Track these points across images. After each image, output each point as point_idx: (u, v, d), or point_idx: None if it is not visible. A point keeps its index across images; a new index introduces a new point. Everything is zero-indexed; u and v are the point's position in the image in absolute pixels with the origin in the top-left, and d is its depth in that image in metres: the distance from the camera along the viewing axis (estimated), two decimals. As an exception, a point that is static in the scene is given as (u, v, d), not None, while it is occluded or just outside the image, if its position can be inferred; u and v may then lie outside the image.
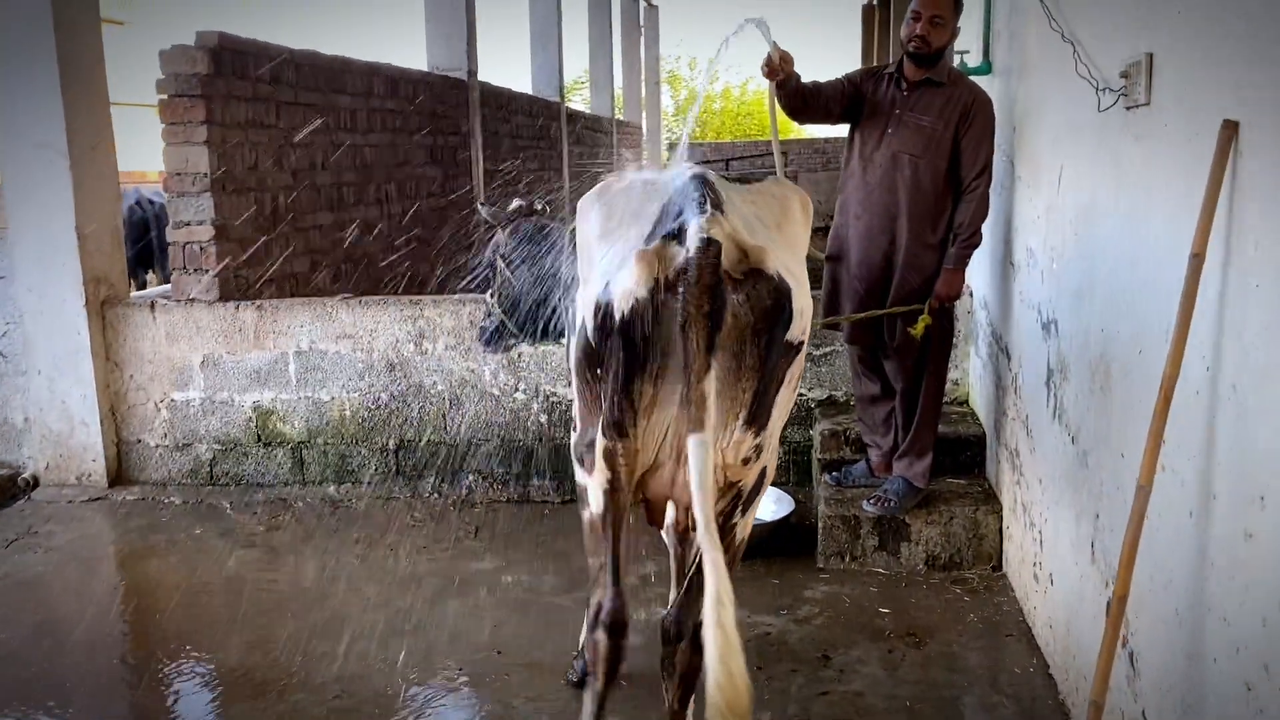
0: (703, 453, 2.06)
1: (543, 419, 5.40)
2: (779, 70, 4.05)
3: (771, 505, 4.64)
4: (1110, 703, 2.76)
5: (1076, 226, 3.21)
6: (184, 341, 5.56)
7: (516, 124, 11.34)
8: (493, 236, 3.84)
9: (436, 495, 5.47)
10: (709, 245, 2.12)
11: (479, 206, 3.87)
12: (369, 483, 5.53)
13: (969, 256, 4.19)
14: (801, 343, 2.43)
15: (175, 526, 5.18)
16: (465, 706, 3.47)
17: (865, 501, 4.41)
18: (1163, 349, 2.41)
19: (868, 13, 20.25)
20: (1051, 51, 3.45)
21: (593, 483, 2.53)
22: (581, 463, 2.59)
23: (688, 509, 2.65)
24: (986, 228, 4.18)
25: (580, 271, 2.68)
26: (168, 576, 4.65)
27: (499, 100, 10.68)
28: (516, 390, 5.40)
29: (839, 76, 4.39)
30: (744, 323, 2.29)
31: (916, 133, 4.14)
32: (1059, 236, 3.42)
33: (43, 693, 3.62)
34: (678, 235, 2.26)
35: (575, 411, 2.75)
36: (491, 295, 3.83)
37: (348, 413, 5.52)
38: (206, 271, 5.52)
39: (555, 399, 5.37)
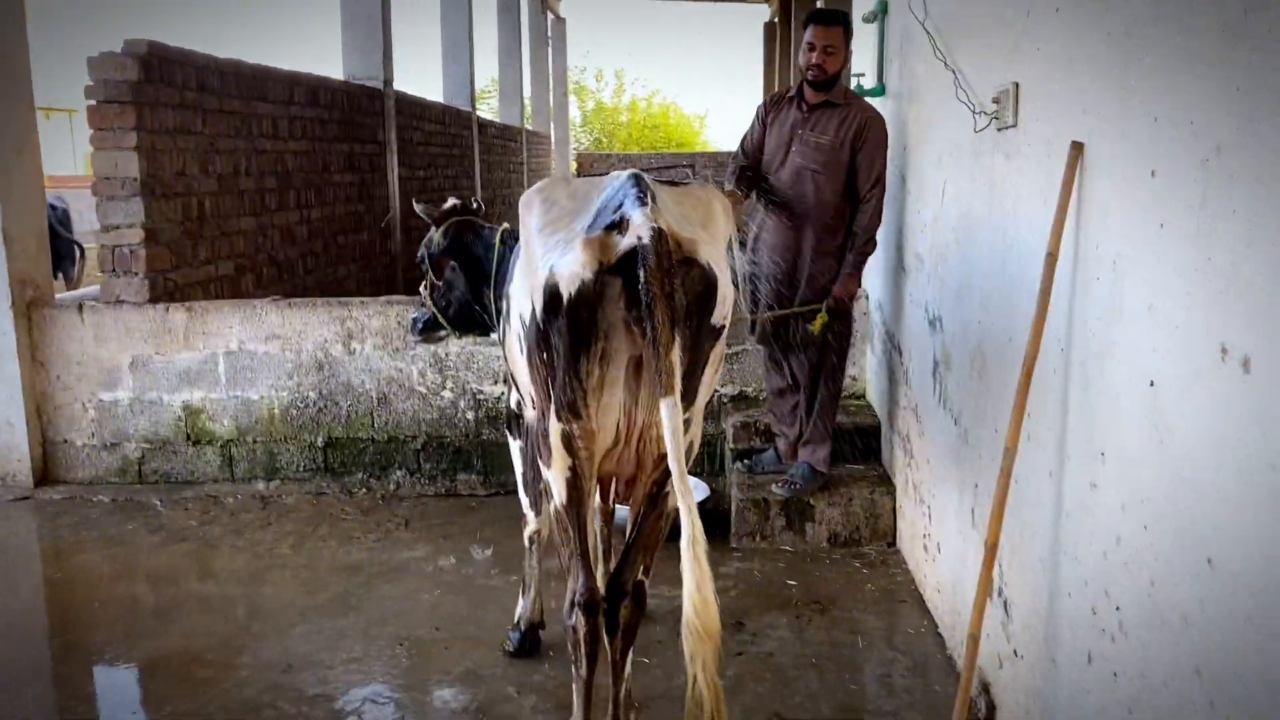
0: (674, 414, 2.36)
1: (469, 416, 5.65)
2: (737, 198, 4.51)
3: (701, 488, 5.00)
4: (989, 648, 3.17)
5: (957, 233, 3.63)
6: (113, 342, 5.66)
7: (429, 132, 11.53)
8: (429, 234, 4.10)
9: (365, 490, 5.68)
10: (660, 233, 2.43)
11: (414, 205, 4.12)
12: (298, 479, 5.71)
13: (864, 262, 4.61)
14: (724, 326, 2.76)
15: (106, 523, 5.29)
16: (408, 675, 3.71)
17: (774, 485, 4.79)
18: (1028, 336, 2.83)
19: (769, 29, 20.99)
20: (936, 78, 3.87)
21: (554, 473, 2.78)
22: (540, 455, 2.85)
23: (628, 482, 2.95)
24: (881, 235, 4.60)
25: (521, 263, 2.95)
26: (104, 568, 4.78)
27: (413, 109, 10.86)
28: (443, 389, 5.65)
29: (751, 127, 4.86)
30: (678, 306, 2.61)
31: (817, 150, 4.56)
32: (943, 243, 3.84)
33: (-6, 676, 3.75)
34: (618, 226, 2.56)
35: (525, 405, 3.01)
36: (424, 288, 4.09)
37: (277, 411, 5.69)
38: (136, 274, 5.64)
39: (482, 397, 5.64)
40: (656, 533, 2.98)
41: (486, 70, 19.40)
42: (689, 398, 2.77)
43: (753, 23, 25.43)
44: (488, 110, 20.84)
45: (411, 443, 5.69)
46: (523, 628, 3.81)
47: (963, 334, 3.52)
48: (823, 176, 4.54)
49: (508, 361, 3.44)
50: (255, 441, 5.72)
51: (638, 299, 2.54)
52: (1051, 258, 2.49)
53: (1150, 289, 2.09)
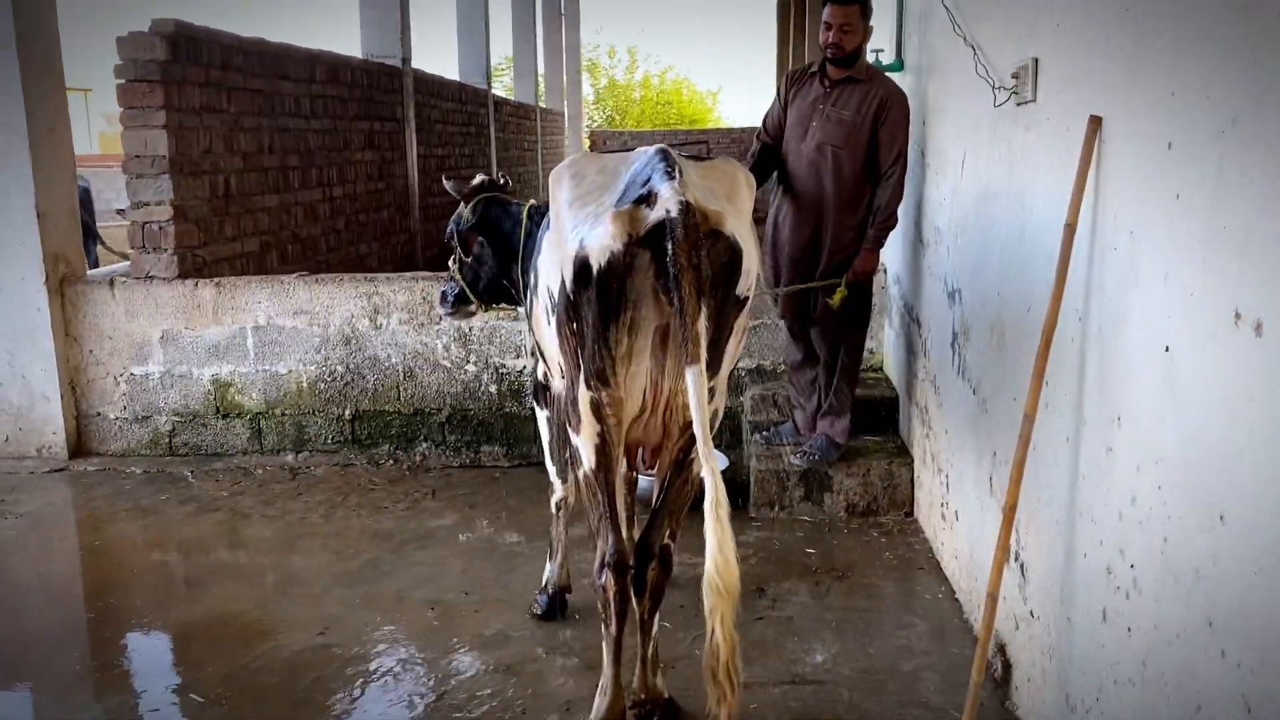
0: (699, 381, 2.46)
1: (493, 389, 5.76)
2: None
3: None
4: (1006, 610, 3.27)
5: (976, 206, 3.70)
6: (143, 318, 5.78)
7: (447, 110, 11.60)
8: (459, 210, 4.19)
9: (392, 462, 5.80)
10: (687, 206, 2.51)
11: (444, 181, 4.21)
12: (325, 451, 5.82)
13: (885, 237, 4.67)
14: (748, 297, 2.84)
15: (139, 493, 5.43)
16: (440, 637, 3.82)
17: (793, 456, 4.89)
18: (1046, 305, 2.90)
19: (782, 5, 20.89)
20: (955, 53, 3.93)
21: (583, 439, 2.88)
22: (569, 423, 2.95)
23: (654, 450, 3.05)
24: (902, 210, 4.67)
25: (551, 236, 3.03)
26: (139, 537, 4.91)
27: (430, 87, 10.93)
28: (467, 363, 5.75)
29: (772, 105, 4.93)
30: (705, 277, 2.69)
31: (839, 126, 4.61)
32: (962, 216, 3.91)
33: (32, 645, 3.89)
34: (647, 199, 2.64)
35: (554, 375, 3.10)
36: (453, 263, 4.17)
37: (305, 385, 5.80)
38: (165, 250, 5.75)
39: (505, 371, 5.73)
40: (682, 498, 3.08)
41: (500, 47, 19.43)
42: (714, 366, 2.86)
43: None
44: (501, 88, 20.89)
45: (436, 415, 5.80)
46: (550, 591, 3.92)
47: (982, 305, 3.59)
48: (844, 152, 4.60)
49: (535, 333, 3.54)
50: (284, 414, 5.83)
51: (666, 270, 2.63)
52: (1070, 228, 2.56)
53: (1166, 257, 2.16)
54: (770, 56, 22.47)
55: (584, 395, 2.82)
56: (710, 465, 2.42)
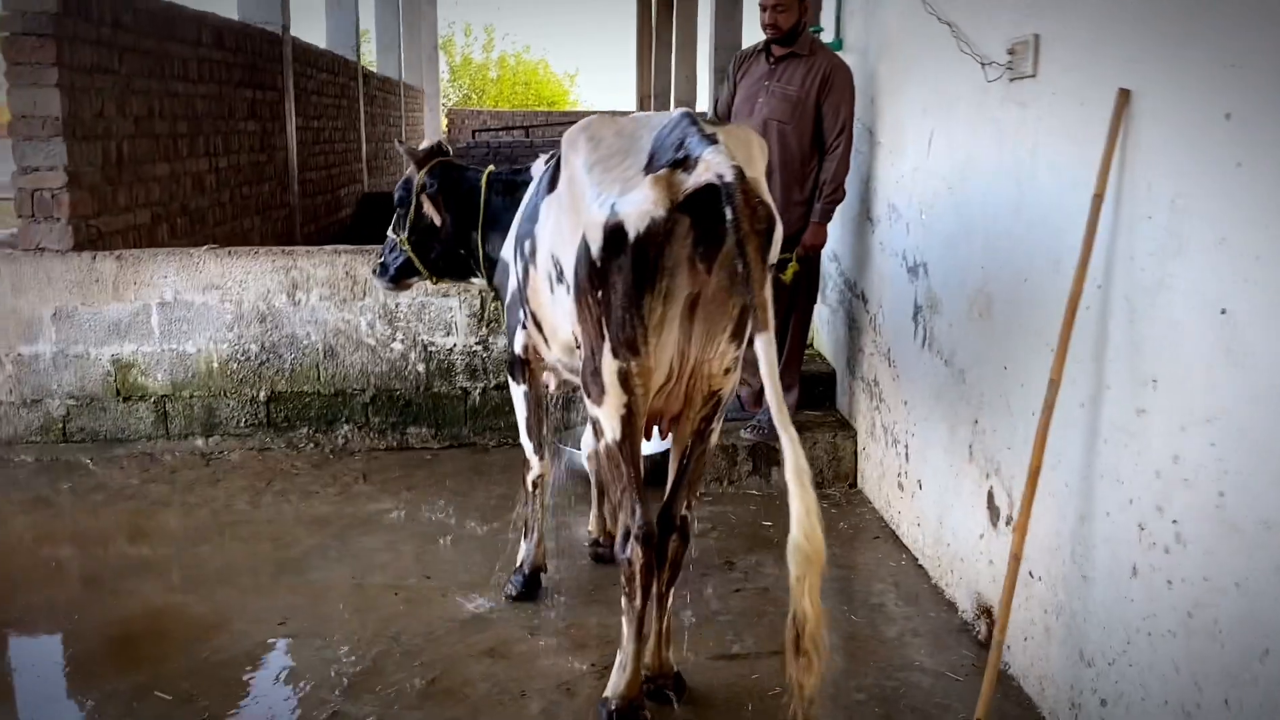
0: (770, 348, 2.41)
1: (420, 369, 5.56)
2: None
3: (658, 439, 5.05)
4: (993, 572, 3.36)
5: (951, 183, 3.78)
6: (32, 293, 5.32)
7: (322, 81, 11.13)
8: (406, 176, 4.01)
9: (312, 445, 5.53)
10: (741, 172, 2.46)
11: (397, 143, 4.04)
12: (238, 435, 5.50)
13: (833, 210, 4.74)
14: (773, 264, 2.82)
15: (37, 484, 5.01)
16: (412, 621, 3.66)
17: (742, 430, 4.91)
18: (1050, 277, 3.00)
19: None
20: (919, 31, 4.00)
21: (606, 410, 2.80)
22: (590, 394, 2.85)
23: (673, 419, 3.00)
24: (846, 186, 4.73)
25: (563, 201, 2.92)
26: (48, 528, 4.53)
27: (308, 57, 10.46)
28: (393, 341, 5.53)
29: (721, 88, 5.00)
30: (751, 243, 2.65)
31: (784, 101, 4.65)
32: (930, 191, 3.99)
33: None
34: (683, 164, 2.58)
35: (549, 347, 3.03)
36: (401, 231, 4.00)
37: (215, 365, 5.46)
38: (59, 220, 5.30)
39: (434, 349, 5.54)
40: (702, 468, 3.04)
41: (363, 19, 18.71)
42: (740, 335, 2.84)
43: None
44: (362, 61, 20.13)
45: (360, 396, 5.56)
46: (526, 571, 3.82)
47: (959, 278, 3.68)
48: (789, 127, 4.64)
49: (524, 304, 3.42)
50: (192, 397, 5.48)
51: (705, 236, 2.59)
52: (1098, 199, 2.64)
53: (1221, 224, 2.25)
54: (629, 40, 22.48)
55: (610, 365, 2.75)
56: (790, 433, 2.39)
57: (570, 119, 19.54)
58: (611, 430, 2.83)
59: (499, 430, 5.61)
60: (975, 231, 3.57)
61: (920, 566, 4.10)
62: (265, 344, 5.47)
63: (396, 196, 4.05)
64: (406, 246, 4.02)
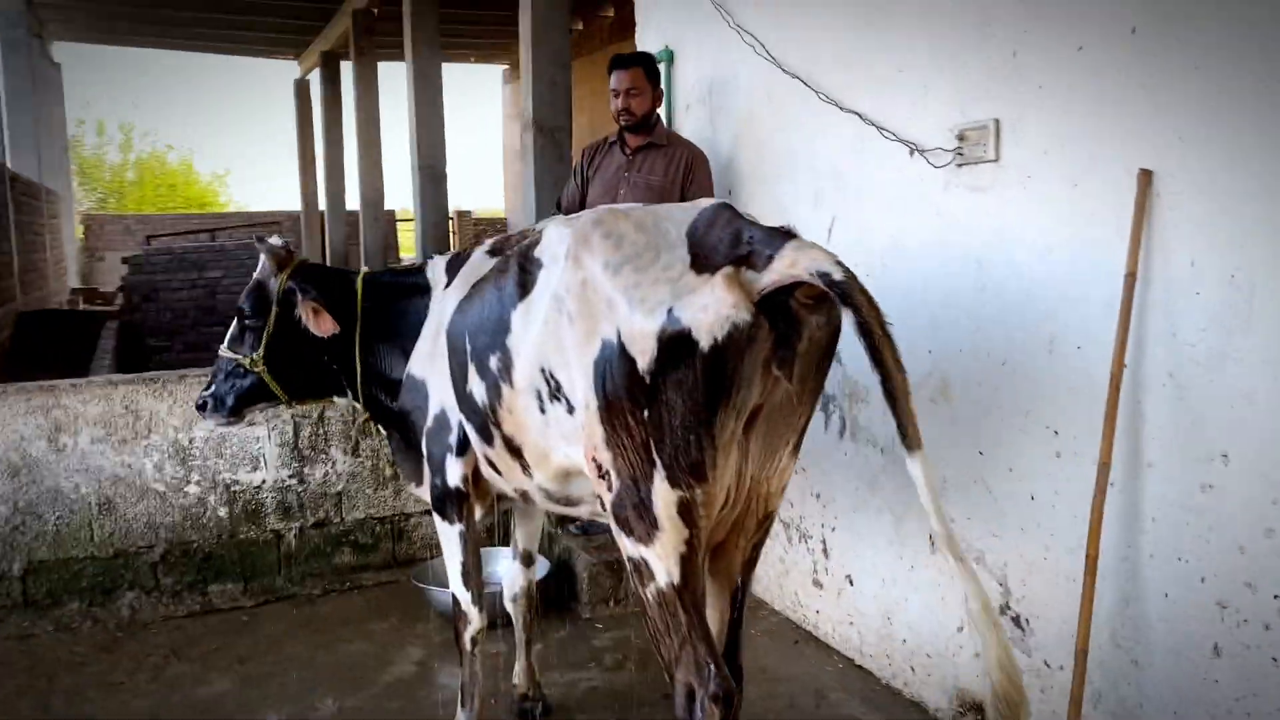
0: (930, 469, 2.11)
1: (222, 513, 4.69)
2: None
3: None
4: (980, 665, 3.24)
5: (868, 269, 3.71)
6: None
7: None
8: (257, 280, 3.39)
9: (90, 623, 4.48)
10: (846, 267, 2.19)
11: (256, 240, 3.42)
12: (-16, 623, 4.35)
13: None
14: None
15: None
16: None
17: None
18: (1042, 357, 2.97)
19: (300, 86, 20.18)
20: (809, 123, 3.96)
21: (659, 549, 2.37)
22: (631, 531, 2.42)
23: (716, 550, 2.61)
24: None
25: (571, 308, 2.49)
26: None
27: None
28: (188, 484, 4.64)
29: (569, 183, 4.77)
30: (821, 346, 2.38)
31: (648, 191, 4.46)
32: (836, 278, 3.91)
33: None
34: (746, 260, 2.28)
35: (539, 476, 2.56)
36: (247, 349, 3.36)
37: (-52, 537, 4.30)
38: None
39: (238, 488, 4.71)
40: (747, 603, 2.69)
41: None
42: (798, 448, 2.55)
43: (283, 79, 24.38)
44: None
45: (146, 554, 4.60)
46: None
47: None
48: (656, 219, 4.44)
49: (494, 426, 2.89)
50: (-83, 582, 4.27)
51: (782, 340, 2.30)
52: (1131, 277, 2.64)
53: (1301, 295, 2.29)
54: (287, 139, 21.52)
55: (666, 496, 2.35)
56: (969, 564, 2.11)
57: (261, 220, 18.31)
58: (666, 573, 2.41)
59: (322, 576, 4.85)
60: (914, 315, 3.50)
61: (861, 668, 3.92)
62: (19, 504, 4.39)
63: (245, 306, 3.38)
64: (260, 367, 3.35)
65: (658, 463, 2.34)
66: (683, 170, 4.47)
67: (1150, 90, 2.63)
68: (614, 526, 2.50)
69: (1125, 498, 2.76)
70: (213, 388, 3.45)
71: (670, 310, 2.28)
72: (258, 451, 4.73)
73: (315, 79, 17.81)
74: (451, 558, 3.24)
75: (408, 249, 18.97)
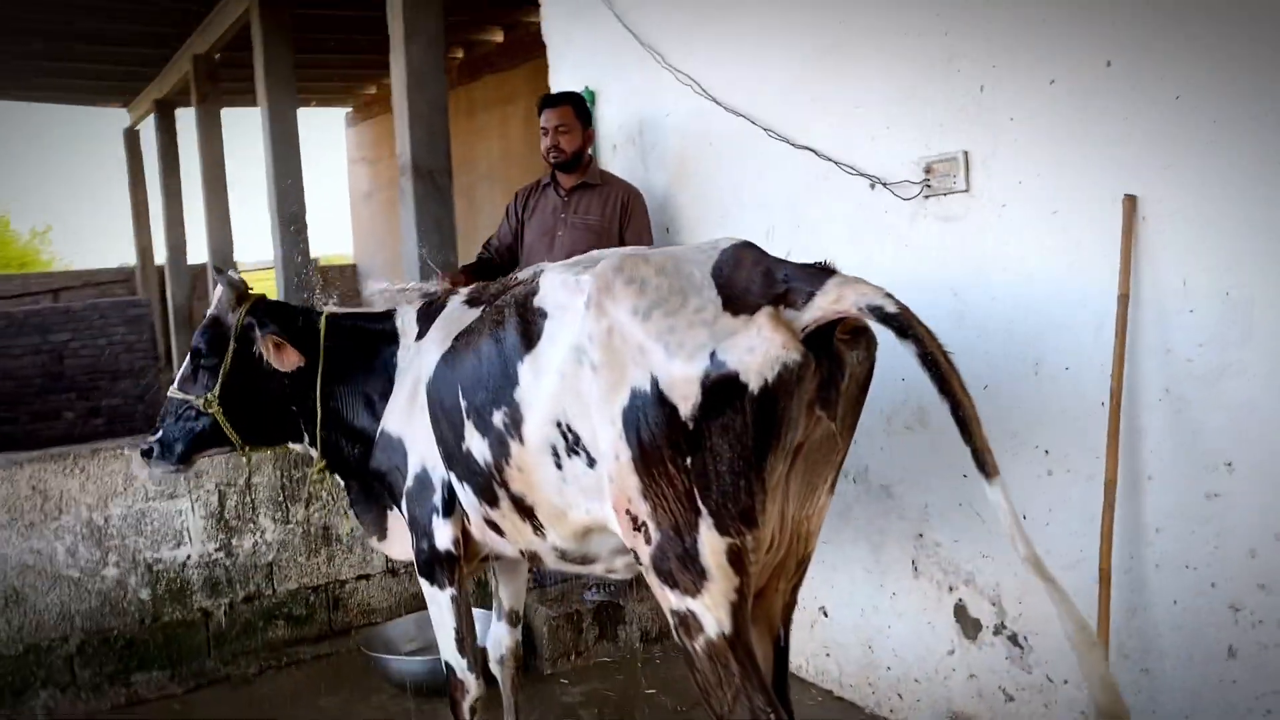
0: (1008, 495, 2.11)
1: (144, 595, 4.34)
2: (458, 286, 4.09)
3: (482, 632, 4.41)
4: (976, 686, 3.29)
5: (832, 300, 3.76)
6: None
7: None
8: (213, 316, 3.20)
9: (0, 731, 4.06)
10: (893, 298, 2.19)
11: (215, 273, 3.23)
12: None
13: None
14: None
15: None
16: None
17: (586, 592, 4.44)
18: (1028, 380, 3.07)
19: (130, 136, 19.26)
20: (752, 159, 3.99)
21: (707, 600, 2.30)
22: (675, 583, 2.34)
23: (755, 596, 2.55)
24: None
25: (595, 358, 2.41)
26: None
27: None
28: (105, 566, 4.28)
29: (500, 226, 4.65)
30: (860, 381, 2.38)
31: (586, 231, 4.41)
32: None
33: None
34: (783, 298, 2.26)
35: (644, 524, 2.40)
36: (200, 389, 3.15)
37: None
38: None
39: (161, 567, 4.37)
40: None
41: None
42: (834, 486, 2.53)
43: (111, 128, 23.21)
44: None
45: (61, 648, 4.20)
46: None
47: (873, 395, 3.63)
48: (597, 260, 4.39)
49: (500, 485, 2.76)
50: None
51: (829, 379, 2.29)
52: (1124, 298, 2.74)
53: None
54: (116, 192, 20.44)
55: (715, 544, 2.29)
56: (1060, 587, 2.11)
57: (101, 280, 17.29)
58: (716, 623, 2.34)
59: (256, 653, 4.54)
60: (885, 343, 3.54)
61: (841, 699, 3.92)
62: (-88, 604, 3.95)
63: (200, 344, 3.17)
64: (215, 408, 3.13)
65: (703, 510, 2.29)
66: (619, 209, 4.44)
67: (1130, 119, 2.75)
68: (654, 580, 2.42)
69: (1126, 510, 2.85)
70: (160, 432, 3.22)
71: (713, 354, 2.23)
72: (181, 525, 4.40)
73: (148, 127, 16.98)
74: (443, 624, 3.08)
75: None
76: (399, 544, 3.33)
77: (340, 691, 4.26)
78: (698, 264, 2.43)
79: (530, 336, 2.65)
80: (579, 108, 4.51)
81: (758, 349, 2.21)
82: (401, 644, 4.44)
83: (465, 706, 3.10)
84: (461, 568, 3.04)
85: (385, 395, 3.18)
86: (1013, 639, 3.23)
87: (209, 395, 3.13)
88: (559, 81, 5.18)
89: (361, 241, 21.31)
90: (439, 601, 3.06)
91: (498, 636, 3.45)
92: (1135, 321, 2.78)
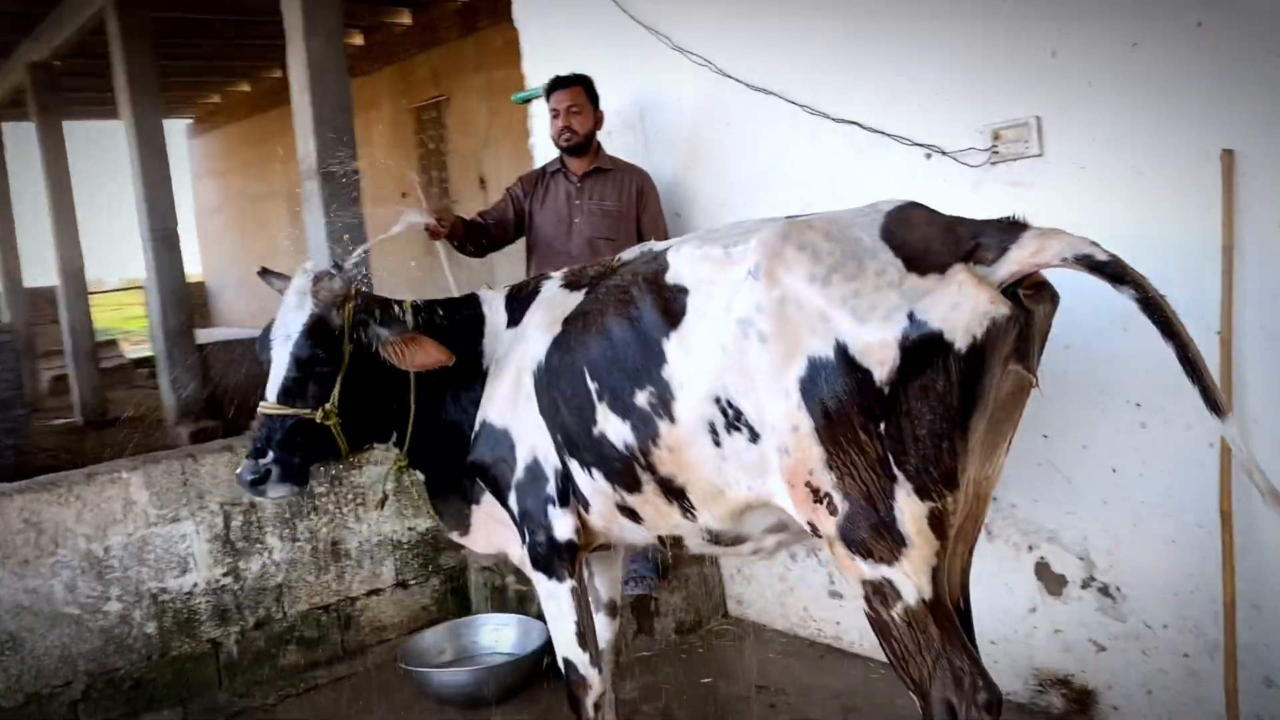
0: (1240, 432, 2.12)
1: (150, 629, 4.00)
2: (442, 230, 3.95)
3: (519, 637, 4.27)
4: (1062, 641, 3.36)
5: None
6: None
7: None
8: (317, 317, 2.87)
9: (4, 790, 3.66)
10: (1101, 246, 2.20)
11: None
12: None
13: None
14: None
15: None
16: None
17: (624, 587, 4.32)
18: (1116, 335, 3.14)
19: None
20: (779, 138, 3.97)
21: (907, 567, 2.28)
22: (869, 553, 2.29)
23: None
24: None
25: (765, 329, 2.33)
26: None
27: None
28: (108, 600, 3.92)
29: (501, 200, 4.48)
30: (1043, 335, 2.38)
31: (605, 217, 4.32)
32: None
33: None
34: (972, 254, 2.24)
35: (827, 496, 2.31)
36: (311, 401, 2.83)
37: None
38: None
39: (166, 597, 4.03)
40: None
41: None
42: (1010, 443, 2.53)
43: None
44: None
45: (63, 693, 3.83)
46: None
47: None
48: (616, 244, 4.28)
49: (646, 470, 2.63)
50: None
51: (1025, 332, 2.28)
52: (1228, 250, 2.84)
53: None
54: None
55: (917, 509, 2.26)
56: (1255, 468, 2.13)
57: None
58: (916, 589, 2.30)
59: (274, 683, 4.24)
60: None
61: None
62: (-103, 660, 3.52)
63: (309, 351, 2.81)
64: (334, 420, 2.85)
65: (899, 476, 2.25)
66: (635, 194, 4.36)
67: (1222, 78, 2.85)
68: (841, 550, 2.36)
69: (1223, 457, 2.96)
70: (271, 453, 2.80)
71: (911, 314, 2.20)
72: (185, 551, 4.07)
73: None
74: (563, 617, 2.93)
75: (139, 322, 17.10)
76: (482, 538, 3.18)
77: (375, 710, 4.02)
78: (863, 227, 2.39)
79: (673, 313, 2.55)
80: (589, 89, 4.38)
81: (963, 305, 2.18)
82: (433, 656, 4.23)
83: (589, 703, 2.96)
84: (580, 558, 2.91)
85: (472, 385, 3.01)
86: (1104, 590, 3.31)
87: (326, 406, 2.82)
88: (535, 71, 5.03)
89: (210, 259, 20.27)
90: (558, 595, 2.91)
91: (598, 630, 3.31)
92: (1242, 272, 2.88)
